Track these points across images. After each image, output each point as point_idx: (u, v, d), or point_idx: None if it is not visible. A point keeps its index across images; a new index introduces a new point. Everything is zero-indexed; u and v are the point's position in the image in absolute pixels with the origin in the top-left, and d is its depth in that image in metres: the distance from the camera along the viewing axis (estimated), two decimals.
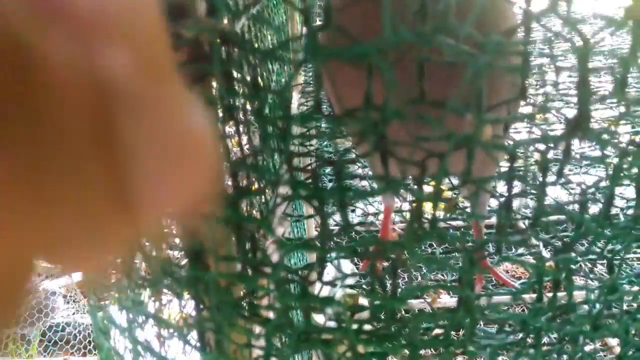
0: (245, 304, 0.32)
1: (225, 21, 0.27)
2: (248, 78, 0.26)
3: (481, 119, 0.25)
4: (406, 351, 0.33)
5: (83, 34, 0.11)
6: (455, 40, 0.24)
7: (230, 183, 0.29)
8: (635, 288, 0.34)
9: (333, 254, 0.32)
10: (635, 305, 0.33)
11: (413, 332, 0.30)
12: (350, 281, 0.63)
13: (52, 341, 1.82)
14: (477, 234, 0.58)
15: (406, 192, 0.31)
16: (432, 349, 0.33)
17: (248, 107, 0.28)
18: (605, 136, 0.28)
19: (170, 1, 0.23)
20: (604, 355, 0.91)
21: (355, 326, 0.31)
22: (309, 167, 0.28)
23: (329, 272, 0.37)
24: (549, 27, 0.30)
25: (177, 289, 0.32)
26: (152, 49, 0.12)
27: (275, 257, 0.32)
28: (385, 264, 0.32)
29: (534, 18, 0.26)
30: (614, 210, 0.30)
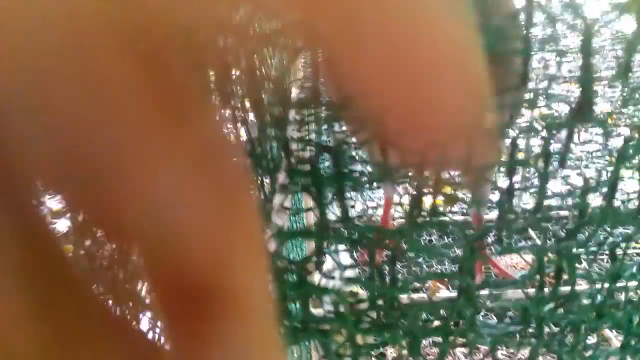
0: None
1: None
2: (244, 63, 0.26)
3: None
4: (404, 343, 0.33)
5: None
6: None
7: None
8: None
9: (331, 245, 0.31)
10: (639, 294, 0.32)
11: (413, 321, 0.30)
12: (348, 273, 0.63)
13: None
14: (477, 225, 0.58)
15: (406, 181, 0.30)
16: (432, 339, 0.33)
17: (245, 93, 0.28)
18: (608, 122, 0.27)
19: None
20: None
21: (353, 316, 0.31)
22: (307, 155, 0.27)
23: (327, 266, 0.36)
24: (551, 12, 0.30)
25: None
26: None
27: (272, 247, 0.32)
28: (385, 257, 0.31)
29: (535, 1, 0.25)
30: (615, 204, 0.30)
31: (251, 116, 0.27)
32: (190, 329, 0.10)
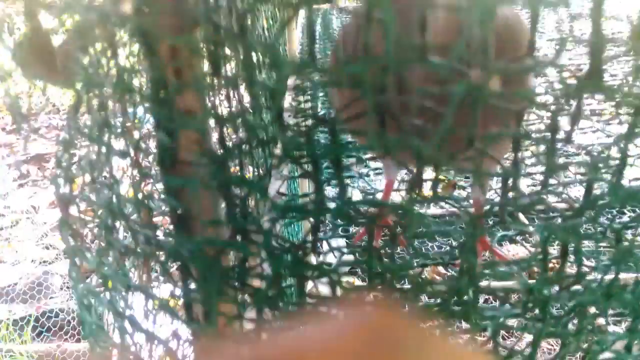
0: (234, 274, 0.30)
1: None
2: (235, 26, 0.24)
3: (488, 68, 0.23)
4: None
5: None
6: None
7: (217, 142, 0.27)
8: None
9: (328, 226, 0.30)
10: None
11: (413, 301, 0.29)
12: (344, 257, 0.62)
13: (46, 327, 1.80)
14: (477, 209, 0.56)
15: (405, 157, 0.29)
16: (432, 321, 0.31)
17: (236, 59, 0.26)
18: (619, 93, 0.26)
19: None
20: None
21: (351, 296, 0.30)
22: (302, 126, 0.26)
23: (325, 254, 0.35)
24: None
25: (161, 258, 0.30)
26: None
27: (266, 225, 0.31)
28: (382, 240, 0.30)
29: None
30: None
31: (244, 85, 0.26)
32: None
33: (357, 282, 0.75)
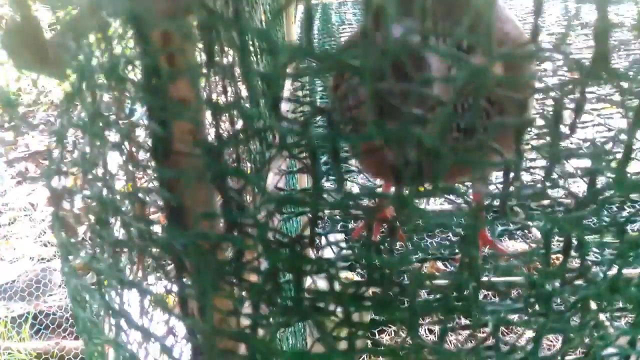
0: (230, 269, 0.30)
1: None
2: (230, 11, 0.24)
3: (491, 53, 0.22)
4: (402, 326, 0.31)
5: None
6: None
7: (212, 131, 0.26)
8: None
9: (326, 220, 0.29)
10: None
11: (412, 296, 0.28)
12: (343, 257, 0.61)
13: (44, 325, 1.80)
14: (477, 201, 0.56)
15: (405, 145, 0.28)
16: (433, 316, 0.31)
17: (230, 46, 0.25)
18: (624, 80, 0.25)
19: None
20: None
21: (350, 291, 0.29)
22: (299, 116, 0.25)
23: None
24: None
25: (154, 252, 0.29)
26: None
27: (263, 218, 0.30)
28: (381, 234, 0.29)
29: None
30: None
31: (239, 71, 0.25)
32: None
33: (356, 278, 0.75)
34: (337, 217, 0.76)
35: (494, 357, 0.33)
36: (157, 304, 0.33)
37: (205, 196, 0.29)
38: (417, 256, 0.65)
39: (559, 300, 0.33)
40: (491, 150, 0.29)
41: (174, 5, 0.23)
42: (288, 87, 0.86)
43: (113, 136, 0.32)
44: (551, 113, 0.26)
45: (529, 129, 0.28)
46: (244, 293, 0.31)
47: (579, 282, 0.31)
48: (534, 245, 0.73)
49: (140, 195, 0.28)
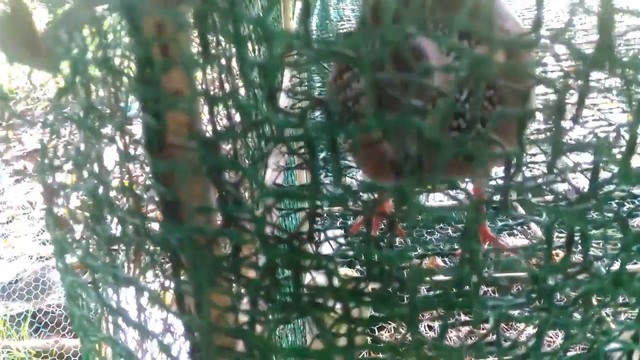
0: (227, 264, 0.29)
1: None
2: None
3: (493, 41, 0.22)
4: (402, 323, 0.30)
5: None
6: None
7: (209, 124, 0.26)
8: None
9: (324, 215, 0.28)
10: None
11: (412, 292, 0.27)
12: (342, 251, 0.61)
13: (43, 323, 1.79)
14: (478, 196, 0.55)
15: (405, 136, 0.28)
16: (433, 311, 0.30)
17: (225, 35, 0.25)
18: (629, 70, 0.25)
19: None
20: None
21: (349, 286, 0.29)
22: (297, 107, 0.25)
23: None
24: None
25: (150, 247, 0.29)
26: None
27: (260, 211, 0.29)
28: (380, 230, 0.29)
29: None
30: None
31: (235, 61, 0.24)
32: None
33: (355, 275, 0.74)
34: (336, 213, 0.76)
35: (495, 352, 0.32)
36: (154, 301, 0.32)
37: (201, 190, 0.28)
38: (416, 253, 0.64)
39: (560, 297, 0.32)
40: (493, 143, 0.29)
41: None
42: (286, 83, 0.85)
43: (108, 130, 0.31)
44: (554, 102, 0.25)
45: (530, 121, 0.27)
46: (241, 289, 0.30)
47: (581, 276, 0.30)
48: (534, 241, 0.72)
49: (136, 190, 0.28)
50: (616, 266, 0.31)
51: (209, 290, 0.29)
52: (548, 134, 0.26)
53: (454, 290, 0.29)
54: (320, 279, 0.31)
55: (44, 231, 2.38)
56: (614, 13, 0.21)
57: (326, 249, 0.58)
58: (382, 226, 0.66)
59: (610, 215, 0.30)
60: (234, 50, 0.25)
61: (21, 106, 3.33)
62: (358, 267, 0.82)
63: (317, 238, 0.31)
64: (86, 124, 0.28)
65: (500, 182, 0.28)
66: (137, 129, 0.31)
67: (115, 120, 0.30)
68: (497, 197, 0.29)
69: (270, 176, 0.57)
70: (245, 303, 0.32)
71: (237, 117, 0.28)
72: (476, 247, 0.26)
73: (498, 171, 0.76)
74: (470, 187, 0.71)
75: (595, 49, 0.24)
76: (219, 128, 0.27)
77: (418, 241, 0.68)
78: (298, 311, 0.31)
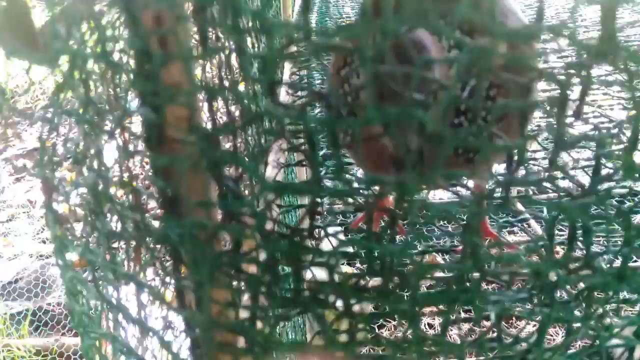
0: (227, 259, 0.29)
1: None
2: None
3: (495, 33, 0.21)
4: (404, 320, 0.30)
5: None
6: None
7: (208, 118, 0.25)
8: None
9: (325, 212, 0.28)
10: None
11: (414, 287, 0.27)
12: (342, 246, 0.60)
13: (43, 321, 1.79)
14: (480, 191, 0.55)
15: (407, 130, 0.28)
16: (435, 306, 0.30)
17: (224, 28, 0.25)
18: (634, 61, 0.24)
19: None
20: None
21: (350, 282, 0.28)
22: (297, 101, 0.24)
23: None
24: None
25: (149, 242, 0.29)
26: None
27: (260, 206, 0.29)
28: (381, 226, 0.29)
29: None
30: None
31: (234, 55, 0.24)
32: None
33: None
34: (336, 210, 0.75)
35: (497, 348, 0.32)
36: (154, 296, 0.32)
37: (201, 185, 0.28)
38: (416, 250, 0.64)
39: (561, 293, 0.32)
40: (495, 137, 0.29)
41: None
42: (286, 79, 0.85)
43: (107, 126, 0.31)
44: (557, 94, 0.25)
45: (533, 114, 0.27)
46: (242, 285, 0.30)
47: (583, 272, 0.30)
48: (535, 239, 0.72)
49: (136, 186, 0.27)
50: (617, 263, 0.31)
51: (210, 286, 0.28)
52: (549, 129, 0.25)
53: (456, 285, 0.29)
54: (321, 274, 0.31)
55: (44, 230, 2.37)
56: (618, 3, 0.21)
57: (326, 245, 0.58)
58: (383, 223, 0.66)
59: (612, 211, 0.30)
60: (233, 45, 0.25)
61: (21, 104, 3.32)
62: (358, 265, 0.81)
63: (317, 235, 0.31)
64: (85, 118, 0.28)
65: (502, 178, 0.28)
66: (136, 127, 0.31)
67: (114, 115, 0.29)
68: (498, 193, 0.29)
69: (271, 173, 0.57)
70: (246, 299, 0.31)
71: (237, 113, 0.28)
72: (477, 241, 0.26)
73: (499, 170, 0.76)
74: (471, 184, 0.71)
75: (598, 39, 0.23)
76: (218, 122, 0.27)
77: (418, 237, 0.68)
78: (299, 307, 0.31)
